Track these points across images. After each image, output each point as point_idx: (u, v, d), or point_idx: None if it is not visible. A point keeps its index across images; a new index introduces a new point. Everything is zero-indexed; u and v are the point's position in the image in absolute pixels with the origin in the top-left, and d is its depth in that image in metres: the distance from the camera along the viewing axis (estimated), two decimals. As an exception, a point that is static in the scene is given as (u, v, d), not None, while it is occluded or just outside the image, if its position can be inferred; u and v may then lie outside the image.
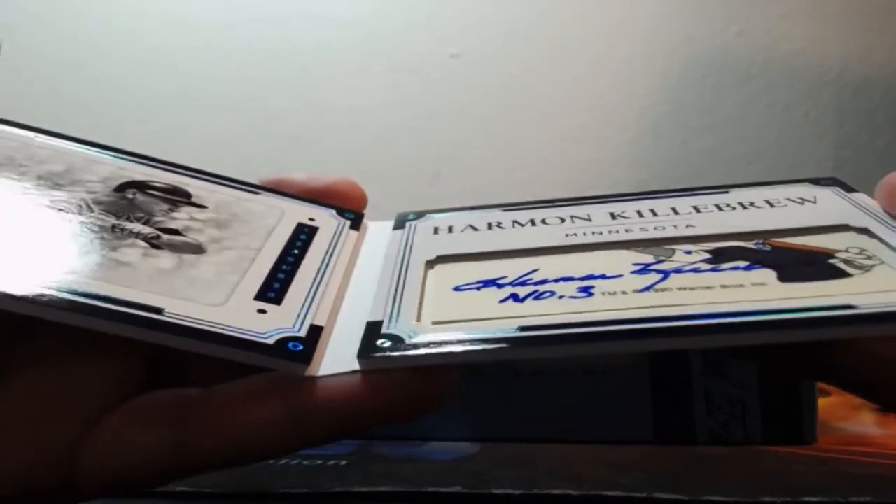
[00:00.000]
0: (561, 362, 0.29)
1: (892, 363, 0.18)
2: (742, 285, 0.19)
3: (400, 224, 0.27)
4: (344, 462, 0.36)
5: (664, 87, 0.73)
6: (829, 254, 0.21)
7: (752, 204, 0.25)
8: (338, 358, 0.19)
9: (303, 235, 0.24)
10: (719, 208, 0.25)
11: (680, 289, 0.19)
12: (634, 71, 0.73)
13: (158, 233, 0.21)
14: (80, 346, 0.19)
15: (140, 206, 0.22)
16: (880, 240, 0.21)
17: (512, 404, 0.31)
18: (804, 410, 0.29)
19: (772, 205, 0.25)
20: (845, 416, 0.43)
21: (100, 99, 0.71)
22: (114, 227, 0.21)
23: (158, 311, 0.18)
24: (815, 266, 0.20)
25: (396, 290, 0.21)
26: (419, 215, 0.27)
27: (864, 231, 0.22)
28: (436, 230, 0.26)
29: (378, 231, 0.27)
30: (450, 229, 0.26)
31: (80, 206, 0.21)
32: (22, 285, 0.18)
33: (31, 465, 0.19)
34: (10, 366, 0.19)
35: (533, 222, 0.26)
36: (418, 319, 0.19)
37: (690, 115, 0.72)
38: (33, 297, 0.18)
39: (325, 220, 0.25)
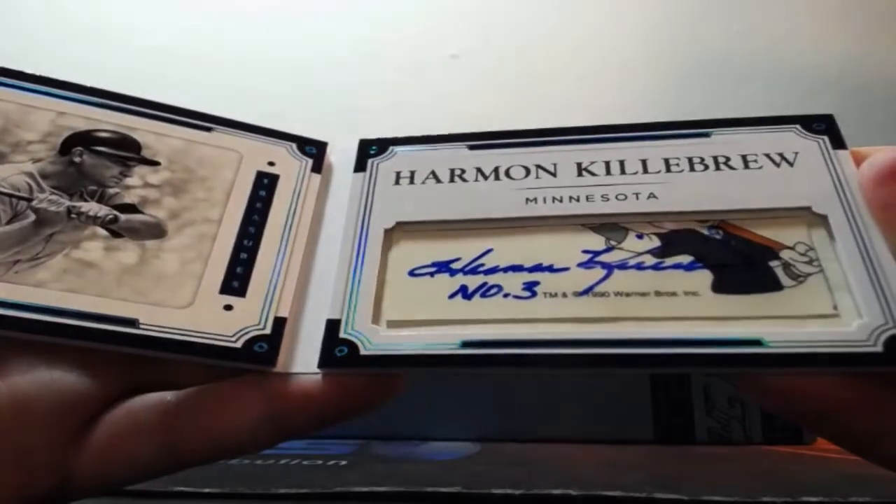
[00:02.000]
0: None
1: (796, 395, 0.18)
2: (675, 294, 0.20)
3: (361, 164, 0.25)
4: (344, 462, 0.36)
5: (664, 87, 0.73)
6: (776, 251, 0.21)
7: (727, 161, 0.24)
8: (304, 355, 0.20)
9: (262, 191, 0.23)
10: (691, 165, 0.24)
11: (617, 294, 0.21)
12: (635, 71, 0.73)
13: (115, 213, 0.21)
14: (64, 350, 0.19)
15: (90, 172, 0.21)
16: (832, 235, 0.21)
17: (512, 404, 0.31)
18: (804, 410, 0.29)
19: (747, 164, 0.23)
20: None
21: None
22: (69, 211, 0.20)
23: (133, 322, 0.19)
24: (754, 269, 0.21)
25: (355, 276, 0.22)
26: (381, 148, 0.26)
27: (823, 220, 0.21)
28: (397, 178, 0.25)
29: (340, 174, 0.25)
30: (411, 177, 0.24)
31: (30, 184, 0.21)
32: None
33: (23, 474, 0.19)
34: None
35: (497, 174, 0.24)
36: (374, 320, 0.21)
37: (690, 115, 0.72)
38: (16, 322, 0.18)
39: (286, 162, 0.24)
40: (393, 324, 0.21)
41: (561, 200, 0.23)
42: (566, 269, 0.21)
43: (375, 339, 0.20)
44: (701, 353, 0.19)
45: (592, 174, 0.24)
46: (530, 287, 0.21)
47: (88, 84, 0.24)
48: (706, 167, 0.24)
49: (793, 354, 0.18)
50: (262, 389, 0.20)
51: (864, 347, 0.18)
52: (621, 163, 0.24)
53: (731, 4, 0.72)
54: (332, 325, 0.20)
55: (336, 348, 0.20)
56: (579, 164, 0.24)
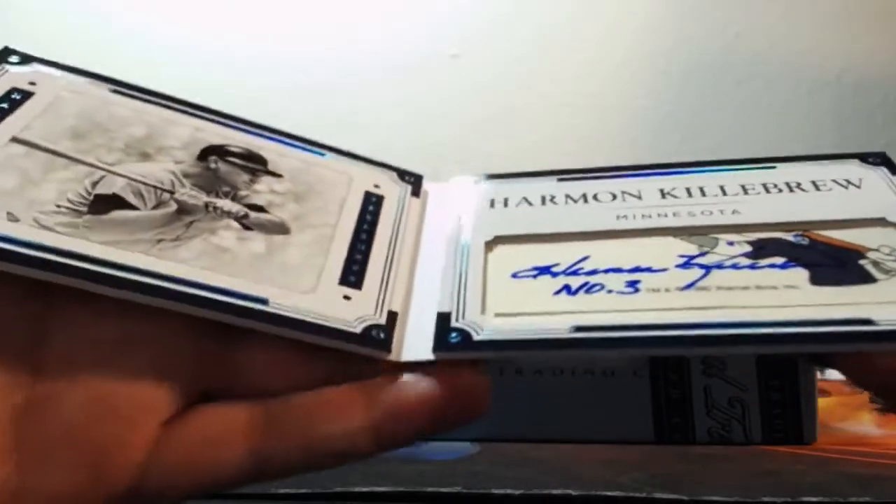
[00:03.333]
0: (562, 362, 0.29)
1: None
2: (775, 287, 0.21)
3: (456, 193, 0.28)
4: (344, 462, 0.36)
5: (664, 87, 0.73)
6: (862, 252, 0.22)
7: (798, 185, 0.25)
8: (414, 346, 0.21)
9: (371, 207, 0.25)
10: (766, 189, 0.25)
11: (719, 288, 0.21)
12: (634, 71, 0.73)
13: (246, 210, 0.23)
14: (141, 348, 0.19)
15: (224, 177, 0.24)
16: None
17: (512, 404, 0.31)
18: (804, 410, 0.29)
19: (818, 188, 0.25)
20: (845, 416, 0.43)
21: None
22: (206, 205, 0.23)
23: (264, 301, 0.20)
24: (846, 267, 0.21)
25: (460, 277, 0.23)
26: (474, 182, 0.28)
27: None
28: (492, 203, 0.26)
29: (437, 200, 0.27)
30: (505, 202, 0.26)
31: (172, 180, 0.23)
32: (144, 276, 0.19)
33: (94, 473, 0.18)
34: (58, 357, 0.18)
35: (585, 198, 0.26)
36: (483, 311, 0.21)
37: (690, 115, 0.72)
38: (161, 290, 0.19)
39: (389, 186, 0.27)
40: (501, 315, 0.21)
41: (650, 217, 0.24)
42: (665, 269, 0.22)
43: (487, 327, 0.21)
44: (813, 331, 0.19)
45: (675, 197, 0.25)
46: (633, 284, 0.22)
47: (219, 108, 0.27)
48: (780, 190, 0.25)
49: None
50: (364, 396, 0.19)
51: None
52: (701, 188, 0.26)
53: (732, 5, 0.72)
54: (443, 317, 0.21)
55: (449, 335, 0.21)
56: (662, 190, 0.26)
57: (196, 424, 0.19)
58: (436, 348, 0.20)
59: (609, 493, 0.30)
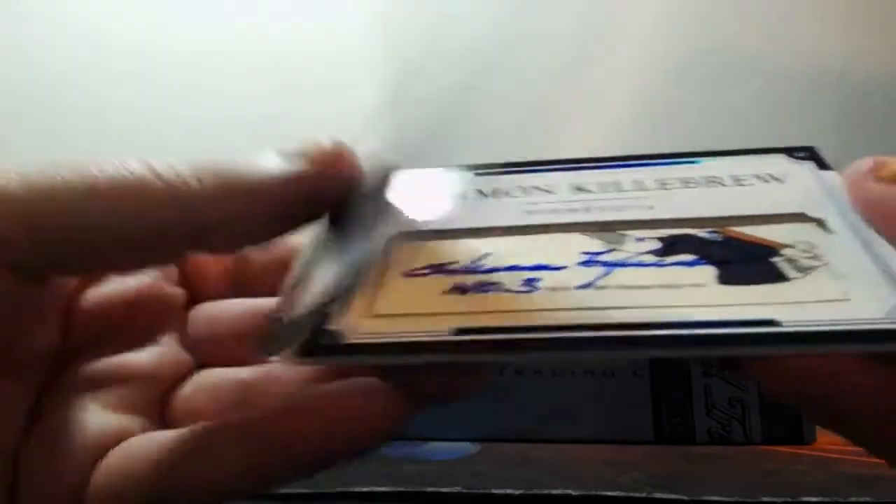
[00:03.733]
0: (561, 362, 0.29)
1: (810, 378, 0.18)
2: (679, 286, 0.20)
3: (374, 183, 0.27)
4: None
5: (664, 86, 0.73)
6: (776, 249, 0.21)
7: (718, 181, 0.24)
8: (292, 346, 0.20)
9: None
10: (685, 184, 0.24)
11: (619, 287, 0.20)
12: (634, 70, 0.73)
13: None
14: (102, 390, 0.21)
15: None
16: (830, 233, 0.21)
17: (512, 404, 0.31)
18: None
19: (739, 182, 0.24)
20: (845, 416, 0.43)
21: (93, 104, 0.71)
22: None
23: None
24: (757, 265, 0.20)
25: (350, 275, 0.22)
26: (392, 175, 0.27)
27: (819, 223, 0.22)
28: (403, 196, 0.25)
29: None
30: (416, 197, 0.25)
31: None
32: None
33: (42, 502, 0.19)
34: (53, 399, 0.20)
35: (496, 193, 0.25)
36: (364, 312, 0.20)
37: (690, 115, 0.72)
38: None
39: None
40: (382, 317, 0.20)
41: (560, 212, 0.24)
42: (565, 267, 0.21)
43: (363, 329, 0.19)
44: (713, 333, 0.18)
45: (589, 191, 0.25)
46: (530, 282, 0.21)
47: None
48: (698, 185, 0.24)
49: (811, 333, 0.18)
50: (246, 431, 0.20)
51: (884, 324, 0.18)
52: (616, 183, 0.25)
53: (732, 5, 0.72)
54: (321, 317, 0.20)
55: (321, 337, 0.19)
56: (575, 185, 0.25)
57: (110, 466, 0.20)
58: (304, 352, 0.19)
59: (609, 493, 0.30)
